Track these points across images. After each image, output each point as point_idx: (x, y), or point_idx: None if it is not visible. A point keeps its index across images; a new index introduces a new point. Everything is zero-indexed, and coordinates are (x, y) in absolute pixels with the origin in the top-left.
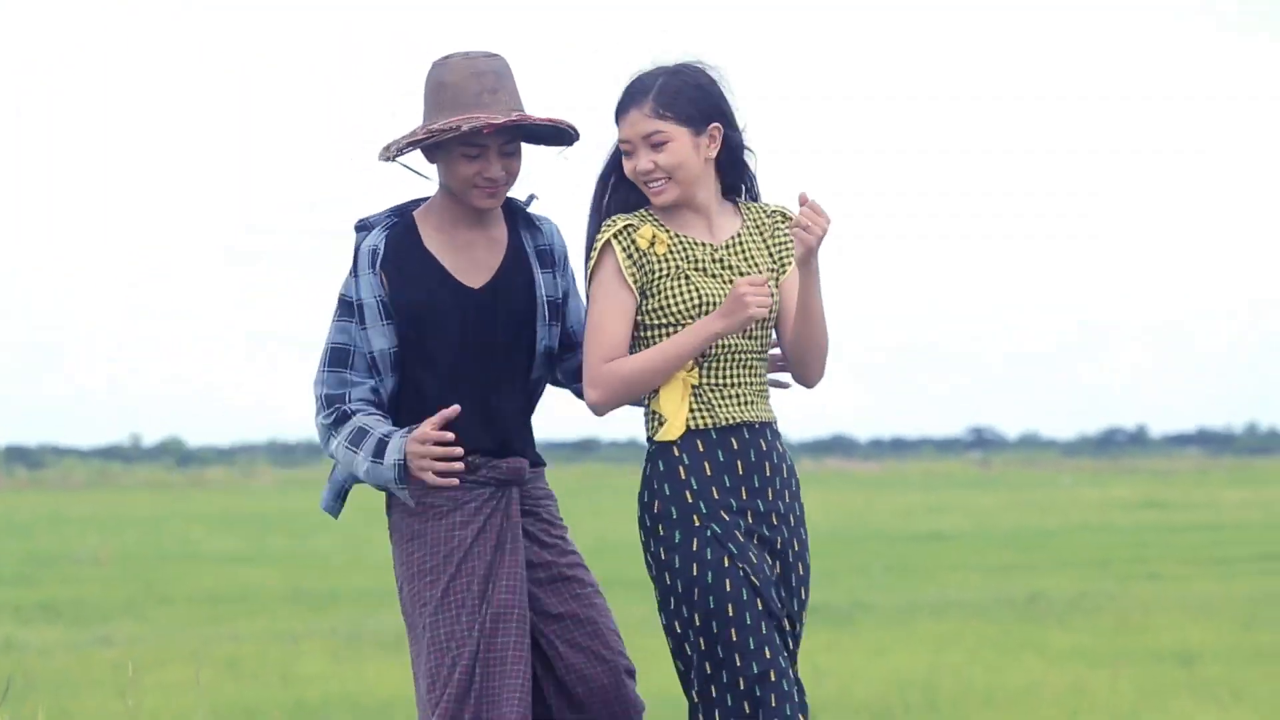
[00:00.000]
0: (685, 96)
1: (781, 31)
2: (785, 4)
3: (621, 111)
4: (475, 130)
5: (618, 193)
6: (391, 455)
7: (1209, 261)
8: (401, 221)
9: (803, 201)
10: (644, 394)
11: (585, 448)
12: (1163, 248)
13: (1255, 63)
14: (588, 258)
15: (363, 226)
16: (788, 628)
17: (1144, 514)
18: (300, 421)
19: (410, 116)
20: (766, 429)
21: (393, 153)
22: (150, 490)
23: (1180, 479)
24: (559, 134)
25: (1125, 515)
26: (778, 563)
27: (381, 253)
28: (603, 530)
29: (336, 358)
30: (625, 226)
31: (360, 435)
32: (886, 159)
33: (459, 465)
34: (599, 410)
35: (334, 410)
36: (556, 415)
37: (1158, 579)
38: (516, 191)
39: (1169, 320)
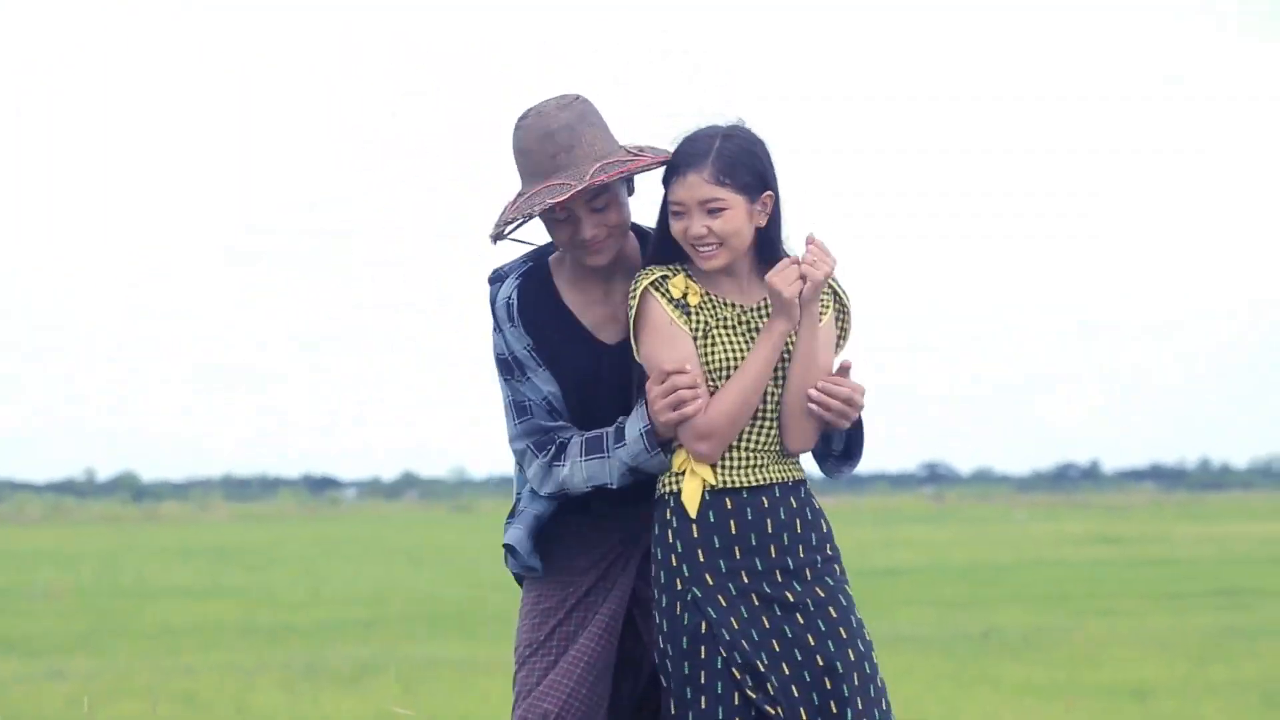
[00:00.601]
0: (742, 164)
1: (781, 32)
2: (785, 4)
3: (678, 174)
4: (544, 207)
5: (659, 248)
6: (635, 427)
7: (1208, 261)
8: (536, 270)
9: (810, 241)
10: (742, 427)
11: None
12: (1161, 248)
13: (1255, 63)
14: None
15: (497, 278)
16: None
17: (1098, 549)
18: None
19: (410, 116)
20: (775, 489)
21: (497, 234)
22: (105, 524)
23: (1134, 514)
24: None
25: (1079, 550)
26: (789, 617)
27: (516, 303)
28: None
29: (520, 409)
30: (660, 277)
31: (594, 441)
32: (886, 159)
33: (699, 392)
34: (711, 459)
35: (549, 446)
36: None
37: (1111, 614)
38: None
39: (1168, 321)
